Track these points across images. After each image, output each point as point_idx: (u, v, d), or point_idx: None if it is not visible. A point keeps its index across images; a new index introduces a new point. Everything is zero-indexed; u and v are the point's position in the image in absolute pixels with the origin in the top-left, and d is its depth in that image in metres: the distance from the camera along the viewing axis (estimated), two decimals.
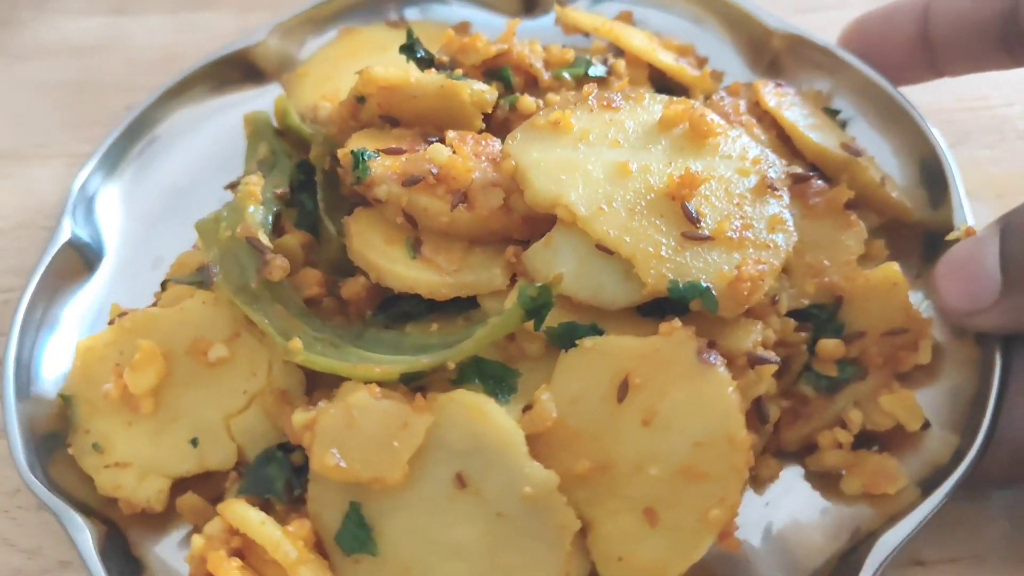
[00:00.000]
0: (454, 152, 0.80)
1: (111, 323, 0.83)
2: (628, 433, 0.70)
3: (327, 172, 0.88)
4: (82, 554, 0.73)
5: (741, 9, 1.02)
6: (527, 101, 0.87)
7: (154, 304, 0.85)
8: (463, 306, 0.78)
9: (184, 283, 0.84)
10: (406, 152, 0.82)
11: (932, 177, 0.88)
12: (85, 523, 0.74)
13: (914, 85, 0.96)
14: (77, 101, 1.18)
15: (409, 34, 0.92)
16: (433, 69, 0.89)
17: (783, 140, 0.88)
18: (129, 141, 0.99)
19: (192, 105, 1.03)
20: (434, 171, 0.78)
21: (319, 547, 0.72)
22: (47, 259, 0.88)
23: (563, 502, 0.69)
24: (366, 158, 0.81)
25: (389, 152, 0.82)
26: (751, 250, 0.74)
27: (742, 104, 0.89)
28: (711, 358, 0.70)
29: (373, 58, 1.00)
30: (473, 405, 0.71)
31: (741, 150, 0.80)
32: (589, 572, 0.71)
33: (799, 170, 0.83)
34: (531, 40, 0.96)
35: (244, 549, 0.70)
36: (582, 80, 0.92)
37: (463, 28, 1.07)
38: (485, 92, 0.85)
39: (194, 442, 0.77)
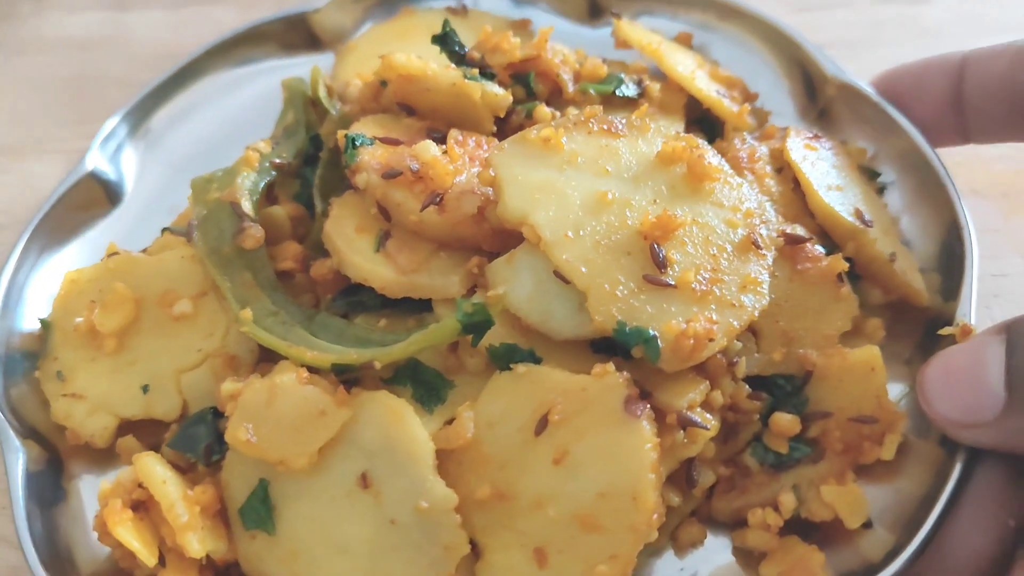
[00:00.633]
0: (446, 152, 0.79)
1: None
2: (536, 468, 0.69)
3: (332, 150, 0.88)
4: (8, 472, 0.76)
5: (803, 50, 0.96)
6: (543, 111, 0.86)
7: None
8: (418, 307, 0.78)
9: (178, 234, 0.87)
10: (403, 144, 0.82)
11: (951, 264, 0.81)
12: (21, 445, 0.77)
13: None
14: (77, 97, 1.18)
15: (445, 24, 0.91)
16: (461, 65, 0.88)
17: (799, 195, 0.83)
18: (172, 88, 1.01)
19: (244, 64, 1.05)
20: (414, 167, 0.77)
21: (223, 515, 0.73)
22: (64, 188, 0.91)
23: (457, 523, 0.68)
24: (357, 144, 0.81)
25: (386, 141, 0.83)
26: (713, 306, 0.70)
27: (761, 150, 0.84)
28: (637, 410, 0.67)
29: (421, 42, 0.99)
30: (392, 408, 0.70)
31: (736, 200, 0.76)
32: None
33: (800, 231, 0.79)
34: (576, 49, 0.94)
35: (150, 502, 0.72)
36: (609, 98, 0.89)
37: (523, 25, 1.06)
38: (499, 95, 0.84)
39: (145, 388, 0.80)
